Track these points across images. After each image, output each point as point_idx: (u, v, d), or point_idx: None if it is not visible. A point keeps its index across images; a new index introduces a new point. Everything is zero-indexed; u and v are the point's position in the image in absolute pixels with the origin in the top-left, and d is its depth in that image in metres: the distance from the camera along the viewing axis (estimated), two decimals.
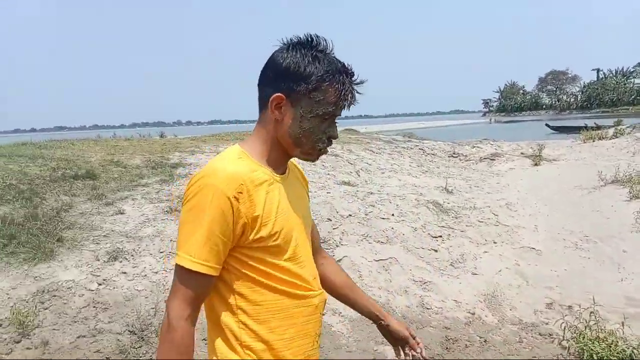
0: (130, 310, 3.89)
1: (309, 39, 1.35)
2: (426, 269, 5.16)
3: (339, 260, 5.01)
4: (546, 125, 37.07)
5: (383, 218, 6.12)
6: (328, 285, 1.65)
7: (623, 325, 3.85)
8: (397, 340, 1.68)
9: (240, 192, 1.24)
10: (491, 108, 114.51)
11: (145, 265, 4.46)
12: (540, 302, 4.75)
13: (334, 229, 5.59)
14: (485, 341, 4.06)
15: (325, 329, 4.14)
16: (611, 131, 17.38)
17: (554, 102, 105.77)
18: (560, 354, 3.91)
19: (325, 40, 1.35)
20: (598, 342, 3.79)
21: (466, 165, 11.94)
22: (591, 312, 3.91)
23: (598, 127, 20.91)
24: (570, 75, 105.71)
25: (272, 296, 1.33)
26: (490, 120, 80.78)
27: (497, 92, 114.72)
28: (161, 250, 4.70)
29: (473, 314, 4.49)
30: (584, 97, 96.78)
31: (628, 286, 4.98)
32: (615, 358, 3.67)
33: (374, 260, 5.19)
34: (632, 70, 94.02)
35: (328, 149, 1.42)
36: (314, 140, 1.36)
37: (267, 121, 1.36)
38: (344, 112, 1.39)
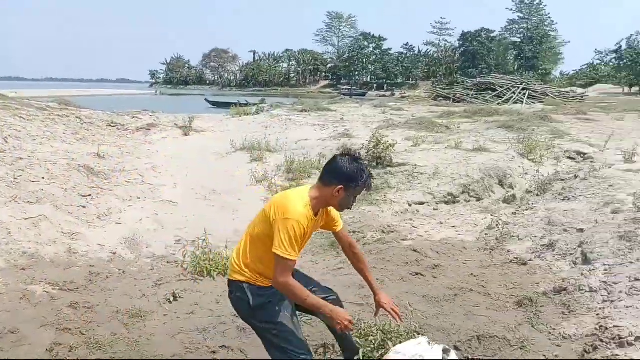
0: None
1: (357, 155, 2.76)
2: (75, 222, 5.86)
3: None
4: (206, 100, 40.21)
5: (33, 181, 6.47)
6: (353, 267, 3.14)
7: (226, 247, 5.38)
8: (378, 306, 3.02)
9: (306, 225, 2.62)
10: (158, 80, 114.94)
11: None
12: (171, 240, 6.04)
13: None
14: (123, 272, 5.08)
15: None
16: (254, 108, 20.49)
17: (217, 79, 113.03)
18: (182, 273, 5.20)
19: (360, 155, 2.85)
20: (207, 260, 5.25)
21: (123, 135, 12.61)
22: (203, 240, 5.32)
23: (247, 104, 24.12)
24: (231, 55, 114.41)
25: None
26: (157, 92, 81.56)
27: (164, 64, 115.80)
28: None
29: (115, 253, 5.46)
30: (243, 76, 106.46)
31: (238, 223, 6.69)
32: (220, 269, 5.20)
33: (24, 218, 5.60)
34: (281, 55, 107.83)
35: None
36: (347, 206, 2.79)
37: (326, 192, 2.68)
38: None
